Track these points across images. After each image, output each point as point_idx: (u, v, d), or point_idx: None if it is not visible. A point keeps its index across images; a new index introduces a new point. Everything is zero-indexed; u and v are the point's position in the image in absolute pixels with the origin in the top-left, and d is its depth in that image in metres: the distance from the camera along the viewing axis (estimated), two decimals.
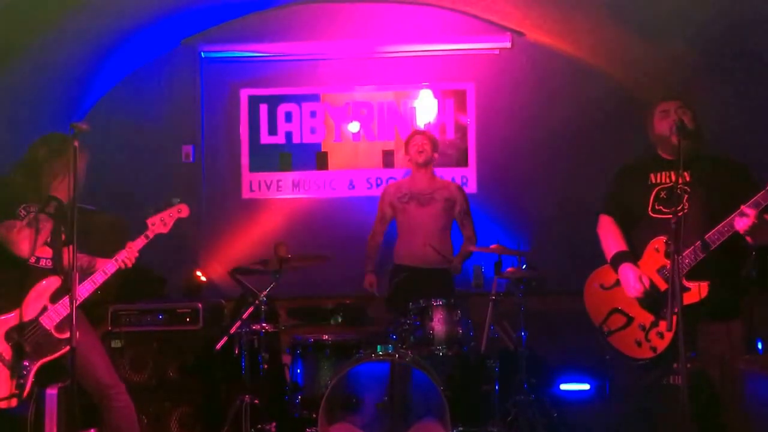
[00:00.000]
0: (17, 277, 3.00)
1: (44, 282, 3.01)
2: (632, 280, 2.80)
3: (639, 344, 2.82)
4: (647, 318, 2.81)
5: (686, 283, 2.66)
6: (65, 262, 3.06)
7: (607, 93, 4.79)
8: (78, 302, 2.97)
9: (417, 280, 3.97)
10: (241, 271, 3.79)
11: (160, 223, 3.17)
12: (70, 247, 3.10)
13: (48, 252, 3.07)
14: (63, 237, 3.10)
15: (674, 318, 2.52)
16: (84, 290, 3.04)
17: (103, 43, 4.44)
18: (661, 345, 2.76)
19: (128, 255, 3.09)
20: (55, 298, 3.02)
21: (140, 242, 3.12)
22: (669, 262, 2.73)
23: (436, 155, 4.26)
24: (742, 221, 2.56)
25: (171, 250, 4.70)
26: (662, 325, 2.74)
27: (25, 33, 3.82)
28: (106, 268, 3.07)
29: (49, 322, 2.99)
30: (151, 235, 3.14)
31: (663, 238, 2.77)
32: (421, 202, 4.16)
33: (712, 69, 4.08)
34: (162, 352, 3.98)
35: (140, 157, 4.89)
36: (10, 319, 2.97)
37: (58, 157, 3.05)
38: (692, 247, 2.66)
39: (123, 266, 3.09)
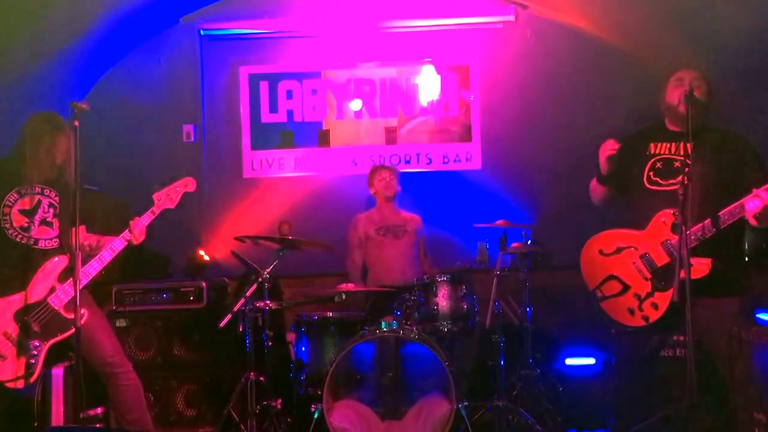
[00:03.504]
0: (19, 259, 3.00)
1: (52, 262, 3.01)
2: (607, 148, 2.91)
3: (632, 312, 2.83)
4: (644, 288, 2.80)
5: (690, 260, 2.63)
6: (72, 241, 3.02)
7: (612, 65, 4.73)
8: (86, 281, 3.00)
9: (391, 297, 3.90)
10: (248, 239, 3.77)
11: (166, 198, 3.13)
12: (81, 227, 3.11)
13: (48, 232, 3.06)
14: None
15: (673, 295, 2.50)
16: (92, 269, 3.03)
17: (102, 22, 4.39)
18: (654, 316, 2.76)
19: (136, 231, 3.05)
20: (63, 278, 3.01)
21: (147, 218, 3.09)
22: (674, 236, 2.71)
23: (398, 186, 4.37)
24: (753, 203, 2.52)
25: (174, 229, 4.70)
26: (657, 296, 2.75)
27: (24, 15, 3.78)
28: (113, 246, 3.04)
29: (57, 302, 2.99)
30: (157, 211, 3.10)
31: (671, 211, 2.74)
32: (396, 235, 4.27)
33: (719, 40, 4.01)
34: (167, 331, 4.00)
35: (141, 136, 4.86)
36: (17, 299, 2.97)
37: (50, 134, 3.04)
38: (701, 224, 2.63)
39: (132, 243, 3.06)
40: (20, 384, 2.91)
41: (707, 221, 2.62)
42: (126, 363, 3.22)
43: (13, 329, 2.94)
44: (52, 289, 3.00)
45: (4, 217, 3.01)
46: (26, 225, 3.02)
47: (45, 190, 3.08)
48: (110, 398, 3.26)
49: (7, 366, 2.91)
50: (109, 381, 3.17)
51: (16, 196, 3.04)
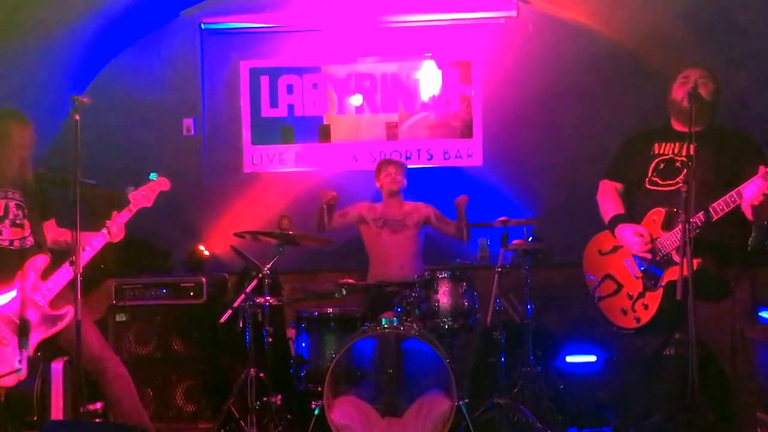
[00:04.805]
0: (3, 260, 3.03)
1: (33, 261, 3.04)
2: (630, 236, 2.77)
3: (625, 313, 2.82)
4: (636, 288, 2.78)
5: (676, 258, 2.63)
6: (46, 237, 3.13)
7: (615, 62, 4.70)
8: (69, 278, 3.00)
9: (391, 292, 3.92)
10: (246, 235, 3.77)
11: (142, 198, 3.16)
12: (50, 221, 3.20)
13: (20, 233, 3.08)
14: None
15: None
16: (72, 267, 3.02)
17: (102, 15, 4.36)
18: (645, 317, 2.74)
19: (115, 229, 3.07)
20: (45, 275, 3.05)
21: (125, 215, 3.10)
22: (663, 234, 2.70)
23: (405, 181, 4.35)
24: (750, 188, 2.47)
25: (173, 224, 4.69)
26: (648, 296, 2.74)
27: (27, 8, 3.76)
28: (93, 244, 3.04)
29: (42, 299, 3.02)
30: (134, 209, 3.13)
31: (663, 209, 2.73)
32: (395, 229, 4.27)
33: (724, 35, 3.99)
34: (166, 326, 3.99)
35: (141, 130, 4.84)
36: (1, 298, 3.00)
37: (18, 132, 3.06)
38: (693, 217, 2.60)
39: (111, 240, 3.08)
40: (10, 381, 2.94)
41: (699, 213, 2.58)
42: (113, 356, 3.24)
43: (1, 327, 2.96)
44: (36, 287, 3.03)
45: None
46: None
47: (9, 193, 3.09)
48: (103, 393, 3.26)
49: None
50: (99, 376, 3.18)
51: None
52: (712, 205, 2.57)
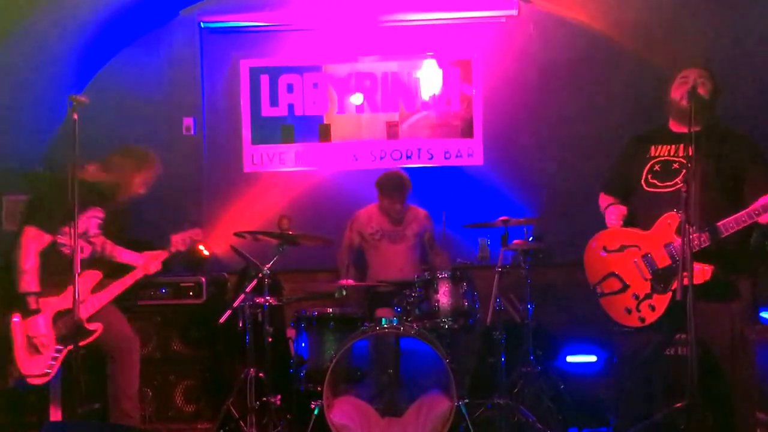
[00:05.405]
0: (64, 268, 3.14)
1: (87, 274, 3.25)
2: (615, 212, 2.88)
3: (629, 312, 2.81)
4: (643, 289, 2.77)
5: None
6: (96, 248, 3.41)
7: (616, 61, 4.70)
8: (110, 298, 3.36)
9: (391, 292, 3.93)
10: (246, 235, 3.81)
11: (181, 242, 3.59)
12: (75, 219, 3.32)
13: (87, 247, 3.33)
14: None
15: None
16: (116, 289, 3.38)
17: (101, 13, 4.36)
18: (650, 317, 2.74)
19: (153, 266, 3.48)
20: (95, 290, 3.28)
21: (163, 255, 3.53)
22: (678, 238, 2.69)
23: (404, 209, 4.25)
24: None
25: (173, 223, 4.67)
26: (656, 298, 2.73)
27: (25, 7, 3.77)
28: (135, 273, 3.44)
29: (84, 312, 3.18)
30: (173, 250, 3.57)
31: (677, 214, 2.71)
32: (393, 240, 4.25)
33: (727, 37, 3.98)
34: (166, 326, 4.00)
35: (140, 129, 4.81)
36: (57, 302, 3.16)
37: (147, 169, 3.42)
38: (698, 234, 2.59)
39: (147, 273, 3.50)
40: (41, 381, 3.11)
41: (705, 235, 2.59)
42: (136, 338, 3.46)
43: (49, 330, 3.13)
44: (84, 300, 3.19)
45: (62, 234, 3.18)
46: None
47: (93, 211, 3.32)
48: (112, 375, 3.36)
49: (38, 362, 3.09)
50: (122, 354, 3.34)
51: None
52: (723, 222, 2.57)
